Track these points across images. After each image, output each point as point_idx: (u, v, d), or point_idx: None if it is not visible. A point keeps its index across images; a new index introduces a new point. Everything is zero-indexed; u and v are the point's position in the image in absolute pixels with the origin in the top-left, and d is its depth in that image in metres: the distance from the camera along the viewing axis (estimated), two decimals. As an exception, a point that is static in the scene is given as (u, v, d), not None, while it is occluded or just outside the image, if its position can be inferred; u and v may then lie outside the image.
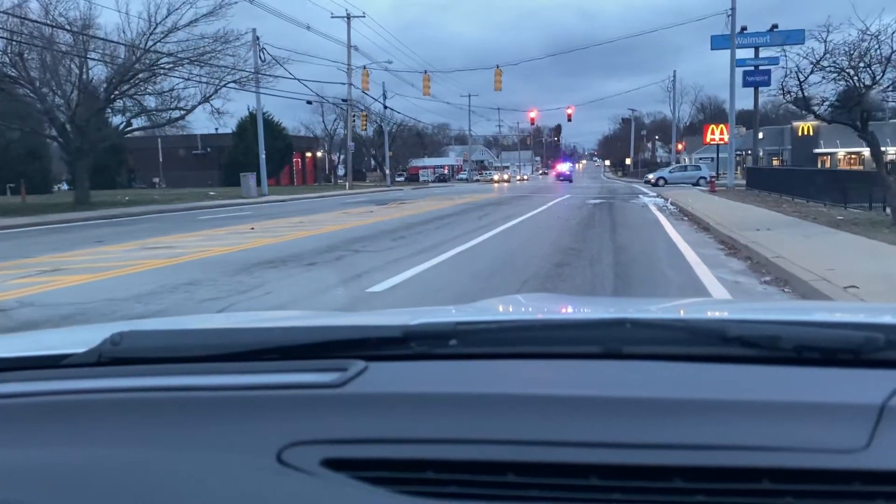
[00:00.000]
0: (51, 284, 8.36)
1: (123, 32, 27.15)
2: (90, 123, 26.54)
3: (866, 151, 48.92)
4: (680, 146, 74.32)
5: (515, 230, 14.80)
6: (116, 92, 26.89)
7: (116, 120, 31.64)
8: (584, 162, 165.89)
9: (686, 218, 17.38)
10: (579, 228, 14.71)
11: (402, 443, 0.87)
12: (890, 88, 13.67)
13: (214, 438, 0.90)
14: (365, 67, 47.24)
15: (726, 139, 41.16)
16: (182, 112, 29.59)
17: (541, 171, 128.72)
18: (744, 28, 36.58)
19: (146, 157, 57.29)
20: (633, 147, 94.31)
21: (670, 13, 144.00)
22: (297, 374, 1.01)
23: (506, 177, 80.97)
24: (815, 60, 13.29)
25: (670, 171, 48.44)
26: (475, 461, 0.83)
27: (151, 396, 1.00)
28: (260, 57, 32.72)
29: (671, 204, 22.77)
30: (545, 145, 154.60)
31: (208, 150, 58.13)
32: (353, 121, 54.65)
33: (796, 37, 29.54)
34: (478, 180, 79.97)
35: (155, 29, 26.28)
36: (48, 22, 25.15)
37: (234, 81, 29.53)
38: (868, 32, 12.97)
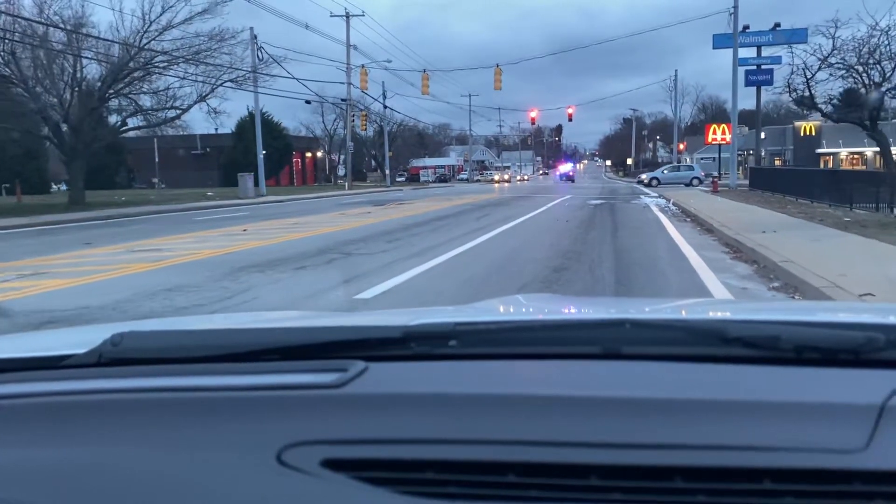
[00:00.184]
0: (27, 290, 8.03)
1: (117, 30, 26.81)
2: (84, 123, 26.24)
3: (869, 151, 48.83)
4: (681, 146, 74.06)
5: (514, 232, 14.46)
6: (111, 91, 26.56)
7: (112, 119, 31.40)
8: (586, 162, 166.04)
9: (689, 219, 17.06)
10: (580, 230, 14.35)
11: (403, 443, 0.86)
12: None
13: (215, 439, 0.90)
14: (363, 66, 46.97)
15: (728, 139, 40.95)
16: (178, 111, 29.36)
17: (542, 172, 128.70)
18: (746, 27, 36.29)
19: (145, 157, 56.78)
20: (634, 147, 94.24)
21: (671, 12, 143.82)
22: (297, 374, 1.00)
23: (506, 177, 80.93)
24: (822, 57, 12.95)
25: (663, 172, 49.32)
26: (475, 461, 0.83)
27: (152, 397, 1.00)
28: (258, 56, 32.48)
29: (673, 205, 22.42)
30: (546, 145, 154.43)
31: (208, 150, 57.83)
32: (353, 121, 54.48)
33: (799, 35, 29.29)
34: (478, 180, 79.78)
35: (149, 27, 25.92)
36: (41, 20, 24.85)
37: (231, 81, 29.22)
38: (878, 28, 12.62)
